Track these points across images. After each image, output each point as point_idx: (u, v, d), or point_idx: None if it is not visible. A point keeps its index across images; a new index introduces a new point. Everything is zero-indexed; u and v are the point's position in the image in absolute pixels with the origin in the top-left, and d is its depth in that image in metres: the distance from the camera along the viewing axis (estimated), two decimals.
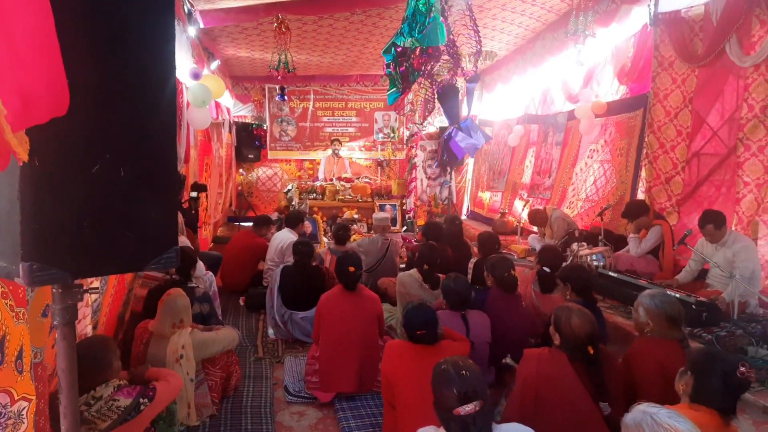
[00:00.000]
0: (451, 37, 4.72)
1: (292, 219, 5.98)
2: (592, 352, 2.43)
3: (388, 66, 4.73)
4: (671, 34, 5.30)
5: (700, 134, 5.08)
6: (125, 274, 3.38)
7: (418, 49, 4.43)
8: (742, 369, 1.89)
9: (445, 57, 4.78)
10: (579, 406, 2.39)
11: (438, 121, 9.38)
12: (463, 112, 5.77)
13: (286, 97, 8.73)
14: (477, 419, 1.74)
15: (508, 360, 3.17)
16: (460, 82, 5.47)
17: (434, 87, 5.19)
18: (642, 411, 1.56)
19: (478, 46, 5.01)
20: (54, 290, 1.38)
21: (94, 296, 2.76)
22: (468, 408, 1.73)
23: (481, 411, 1.75)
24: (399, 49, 4.39)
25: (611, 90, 6.53)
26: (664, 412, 1.54)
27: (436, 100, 5.36)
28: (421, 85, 5.49)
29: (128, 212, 1.30)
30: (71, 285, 1.39)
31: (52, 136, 1.17)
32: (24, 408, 1.63)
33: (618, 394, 2.52)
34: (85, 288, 1.46)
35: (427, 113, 6.05)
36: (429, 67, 4.63)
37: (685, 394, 2.02)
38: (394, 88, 4.85)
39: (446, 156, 5.68)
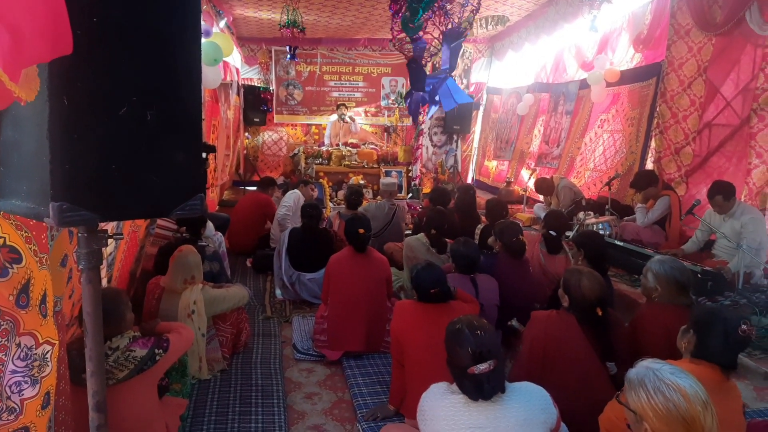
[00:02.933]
0: None
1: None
2: (600, 313, 2.46)
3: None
4: (689, 1, 5.18)
5: (713, 104, 5.02)
6: (137, 230, 3.40)
7: None
8: (744, 327, 1.91)
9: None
10: (586, 366, 2.43)
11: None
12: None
13: (296, 58, 8.54)
14: (491, 378, 1.77)
15: (514, 323, 3.21)
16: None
17: (441, 27, 5.00)
18: (645, 367, 1.57)
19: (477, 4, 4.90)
20: (80, 234, 1.39)
21: (109, 249, 2.79)
22: (482, 367, 1.75)
23: (495, 370, 1.78)
24: None
25: (626, 58, 6.42)
26: (667, 368, 1.54)
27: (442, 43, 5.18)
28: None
29: (154, 157, 1.30)
30: (96, 229, 1.40)
31: (81, 75, 1.17)
32: (48, 351, 1.67)
33: (624, 356, 2.56)
34: (109, 234, 1.47)
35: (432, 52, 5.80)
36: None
37: (687, 352, 2.04)
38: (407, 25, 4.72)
39: (438, 99, 5.46)
